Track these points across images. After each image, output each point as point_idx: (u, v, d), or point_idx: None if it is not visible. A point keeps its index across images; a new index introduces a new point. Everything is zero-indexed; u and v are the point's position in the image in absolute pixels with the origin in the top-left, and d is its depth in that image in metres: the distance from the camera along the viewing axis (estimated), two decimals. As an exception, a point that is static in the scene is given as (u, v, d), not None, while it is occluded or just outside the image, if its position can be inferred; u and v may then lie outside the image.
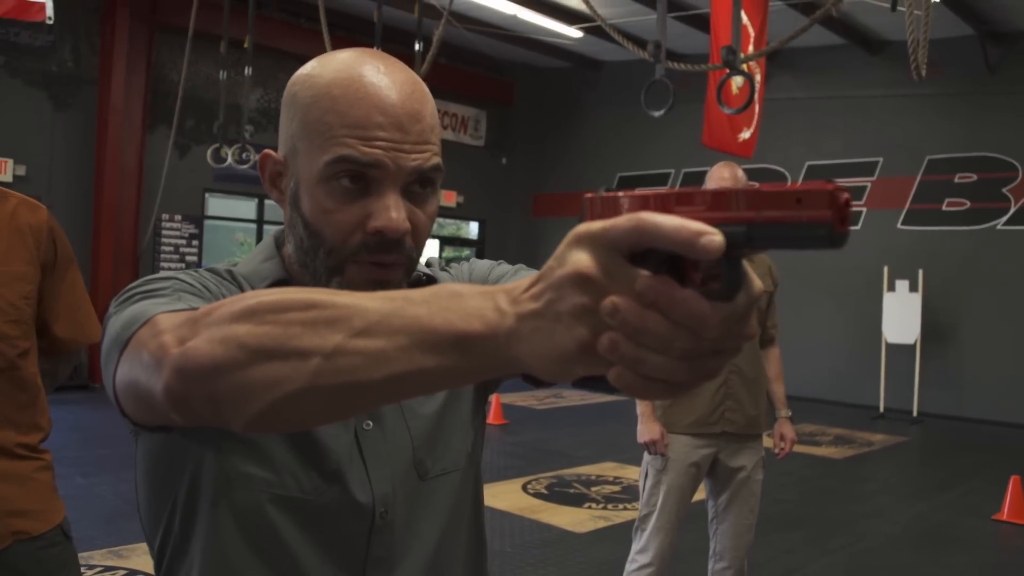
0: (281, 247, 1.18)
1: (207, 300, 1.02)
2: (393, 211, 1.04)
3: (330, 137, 1.04)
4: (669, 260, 0.62)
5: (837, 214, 0.58)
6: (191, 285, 1.05)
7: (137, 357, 0.86)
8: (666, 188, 0.63)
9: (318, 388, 0.73)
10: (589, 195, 0.72)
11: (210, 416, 0.79)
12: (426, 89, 1.10)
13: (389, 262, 1.07)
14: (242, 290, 1.12)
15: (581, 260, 0.63)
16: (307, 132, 1.06)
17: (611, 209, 0.70)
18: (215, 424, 0.81)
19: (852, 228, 0.58)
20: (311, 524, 1.09)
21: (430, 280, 1.21)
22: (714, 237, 0.58)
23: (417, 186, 1.08)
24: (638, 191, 0.68)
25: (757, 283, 0.62)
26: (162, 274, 1.06)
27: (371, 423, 1.14)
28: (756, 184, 0.66)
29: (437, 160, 1.08)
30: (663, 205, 0.66)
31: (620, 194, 0.70)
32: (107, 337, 0.96)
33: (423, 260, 1.24)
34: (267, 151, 1.14)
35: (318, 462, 1.09)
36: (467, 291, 0.70)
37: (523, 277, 1.02)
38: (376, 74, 1.06)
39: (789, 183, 0.60)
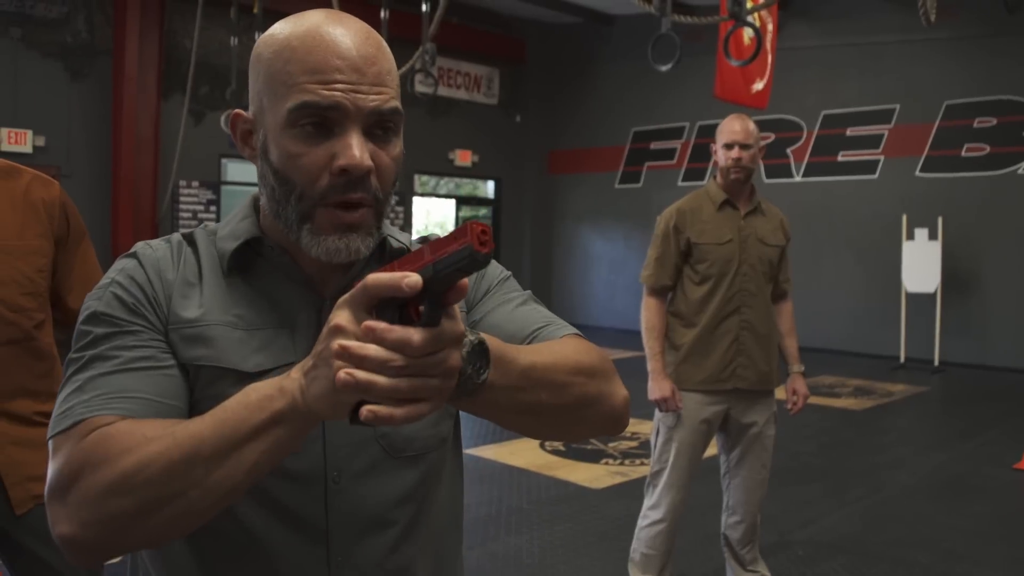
0: (259, 206, 1.23)
1: (139, 334, 1.11)
2: (355, 149, 1.08)
3: (292, 85, 1.09)
4: (400, 307, 0.89)
5: (476, 239, 0.82)
6: (124, 320, 1.12)
7: (59, 459, 1.09)
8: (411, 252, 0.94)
9: (203, 508, 0.97)
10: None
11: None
12: (383, 41, 1.15)
13: (356, 200, 1.11)
14: (196, 256, 1.20)
15: (337, 316, 0.89)
16: (270, 85, 1.12)
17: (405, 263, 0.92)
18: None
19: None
20: (271, 492, 1.13)
21: (400, 252, 1.24)
22: (411, 277, 0.85)
23: (378, 129, 1.12)
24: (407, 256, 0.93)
25: (459, 324, 0.88)
26: (103, 300, 1.14)
27: None
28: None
29: (396, 103, 1.12)
30: (405, 263, 0.90)
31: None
32: (60, 391, 1.11)
33: (414, 236, 1.29)
34: (237, 111, 1.19)
35: None
36: (260, 385, 0.97)
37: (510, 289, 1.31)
38: (332, 25, 1.11)
39: None
